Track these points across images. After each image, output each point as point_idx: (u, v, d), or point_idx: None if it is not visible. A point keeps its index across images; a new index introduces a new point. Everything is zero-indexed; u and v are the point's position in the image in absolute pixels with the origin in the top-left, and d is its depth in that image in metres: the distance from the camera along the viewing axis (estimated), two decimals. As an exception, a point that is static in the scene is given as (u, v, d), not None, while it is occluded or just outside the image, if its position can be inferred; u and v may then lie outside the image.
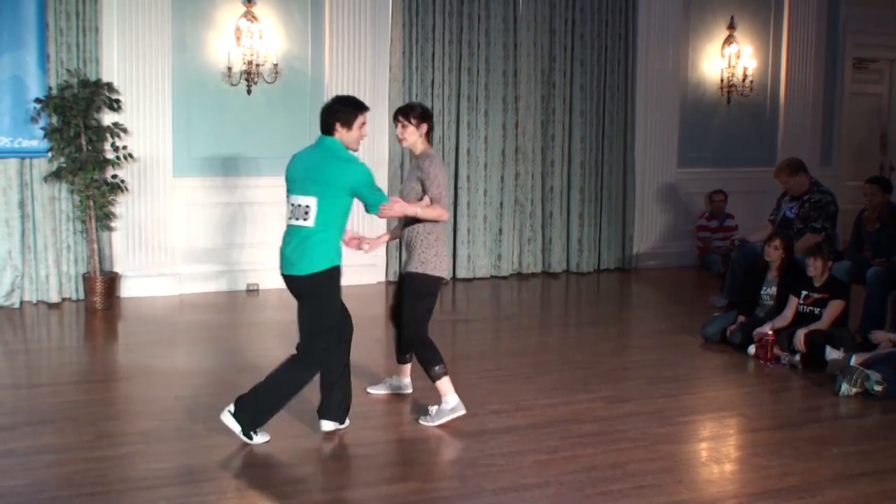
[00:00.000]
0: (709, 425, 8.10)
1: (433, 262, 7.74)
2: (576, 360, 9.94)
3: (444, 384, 7.72)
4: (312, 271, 7.04)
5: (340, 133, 7.25)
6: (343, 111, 7.28)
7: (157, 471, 6.68)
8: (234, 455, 7.01)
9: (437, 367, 7.70)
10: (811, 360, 9.53)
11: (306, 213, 7.04)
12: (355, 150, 7.35)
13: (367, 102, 12.83)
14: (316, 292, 7.13)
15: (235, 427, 7.11)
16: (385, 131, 13.49)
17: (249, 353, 9.96)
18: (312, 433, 7.48)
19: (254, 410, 7.12)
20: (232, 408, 7.14)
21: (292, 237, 7.13)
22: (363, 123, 7.34)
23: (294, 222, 7.12)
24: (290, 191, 7.22)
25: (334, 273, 7.14)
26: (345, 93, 12.95)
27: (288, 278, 7.20)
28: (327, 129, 7.30)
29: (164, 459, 6.94)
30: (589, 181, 15.01)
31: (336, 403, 7.45)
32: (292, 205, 7.14)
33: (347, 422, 7.55)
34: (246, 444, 7.13)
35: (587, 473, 6.78)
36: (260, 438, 7.18)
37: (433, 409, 7.78)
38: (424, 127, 7.89)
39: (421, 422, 7.73)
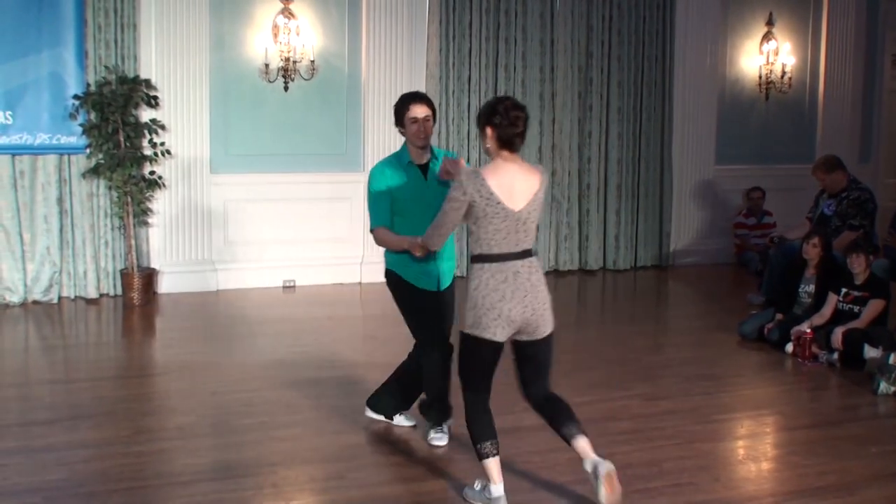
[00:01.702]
0: (746, 423, 8.07)
1: (470, 316, 6.02)
2: (612, 357, 9.91)
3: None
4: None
5: (402, 133, 7.06)
6: (395, 110, 7.06)
7: (194, 466, 6.71)
8: (270, 451, 7.03)
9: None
10: (849, 359, 9.46)
11: None
12: (419, 146, 6.95)
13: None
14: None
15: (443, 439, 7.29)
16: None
17: (286, 349, 9.98)
18: (349, 430, 7.50)
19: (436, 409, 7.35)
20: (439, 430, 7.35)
21: None
22: (413, 119, 6.91)
23: None
24: None
25: (390, 277, 7.15)
26: (381, 90, 13.16)
27: None
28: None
29: (201, 455, 6.97)
30: (626, 178, 14.96)
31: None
32: None
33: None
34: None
35: (623, 471, 6.73)
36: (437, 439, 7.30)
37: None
38: (488, 131, 5.99)
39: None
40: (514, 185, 5.89)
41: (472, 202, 5.82)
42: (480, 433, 6.07)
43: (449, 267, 7.17)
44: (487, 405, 6.17)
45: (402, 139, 7.06)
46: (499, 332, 5.94)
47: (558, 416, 6.27)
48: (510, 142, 5.95)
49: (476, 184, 5.80)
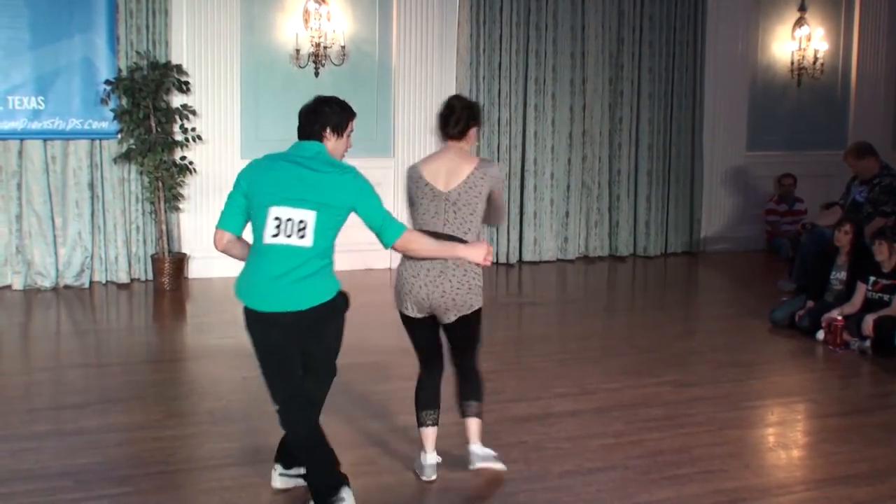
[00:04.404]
0: (776, 410, 8.05)
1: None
2: (642, 343, 9.90)
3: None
4: (319, 302, 5.74)
5: (329, 140, 6.02)
6: (336, 114, 6.09)
7: (224, 450, 6.74)
8: (300, 435, 7.05)
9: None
10: (881, 346, 9.42)
11: (302, 229, 5.71)
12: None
13: (434, 85, 13.15)
14: (324, 323, 5.86)
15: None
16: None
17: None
18: (379, 415, 7.51)
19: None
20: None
21: (280, 260, 5.76)
22: (352, 131, 6.17)
23: (283, 241, 5.73)
24: (270, 202, 5.84)
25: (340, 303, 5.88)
26: (411, 75, 13.16)
27: (280, 316, 5.80)
28: (312, 134, 6.05)
29: (231, 439, 7.00)
30: (657, 164, 14.92)
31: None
32: (276, 218, 5.78)
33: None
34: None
35: (653, 458, 6.75)
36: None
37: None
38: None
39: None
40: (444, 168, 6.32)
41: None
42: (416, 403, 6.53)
43: None
44: (425, 381, 6.52)
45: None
46: (409, 308, 6.31)
47: (464, 389, 6.53)
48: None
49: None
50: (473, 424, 6.46)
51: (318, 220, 5.70)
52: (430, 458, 6.44)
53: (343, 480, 5.76)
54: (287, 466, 6.22)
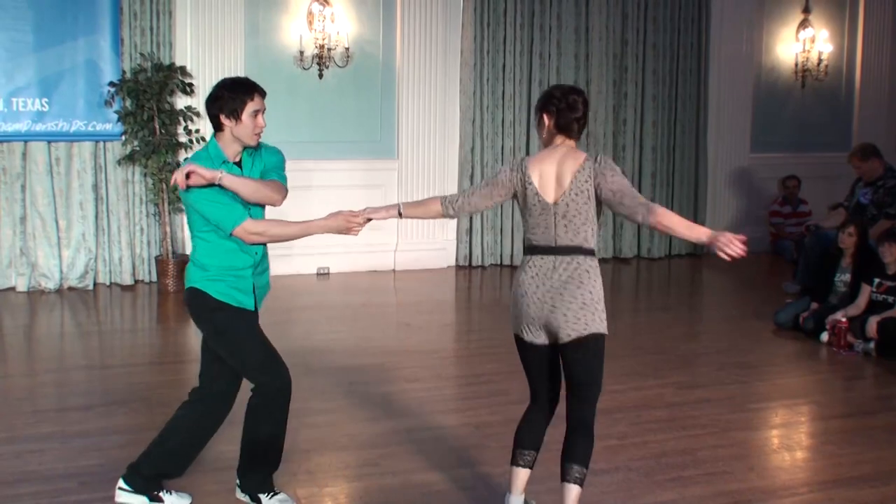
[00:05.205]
0: (780, 412, 8.04)
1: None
2: (646, 345, 9.89)
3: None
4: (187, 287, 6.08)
5: (228, 127, 5.75)
6: (227, 98, 5.69)
7: (228, 452, 6.72)
8: (304, 437, 7.03)
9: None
10: (885, 348, 9.41)
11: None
12: (253, 146, 6.03)
13: (438, 87, 13.15)
14: (192, 309, 6.07)
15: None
16: (456, 116, 13.49)
17: (320, 336, 10.00)
18: (383, 416, 7.50)
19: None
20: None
21: None
22: (257, 111, 5.84)
23: None
24: None
25: (197, 296, 6.00)
26: (415, 77, 13.15)
27: None
28: (215, 124, 5.79)
29: (235, 441, 6.97)
30: (661, 166, 14.91)
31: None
32: None
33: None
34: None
35: (657, 460, 6.75)
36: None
37: None
38: (544, 118, 5.62)
39: None
40: (555, 172, 5.45)
41: (514, 191, 5.50)
42: (514, 438, 5.67)
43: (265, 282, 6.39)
44: (533, 413, 5.72)
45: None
46: (524, 331, 5.48)
47: (571, 450, 5.52)
48: (567, 127, 5.52)
49: (518, 171, 5.51)
50: (573, 493, 5.41)
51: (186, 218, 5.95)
52: (515, 500, 5.61)
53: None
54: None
